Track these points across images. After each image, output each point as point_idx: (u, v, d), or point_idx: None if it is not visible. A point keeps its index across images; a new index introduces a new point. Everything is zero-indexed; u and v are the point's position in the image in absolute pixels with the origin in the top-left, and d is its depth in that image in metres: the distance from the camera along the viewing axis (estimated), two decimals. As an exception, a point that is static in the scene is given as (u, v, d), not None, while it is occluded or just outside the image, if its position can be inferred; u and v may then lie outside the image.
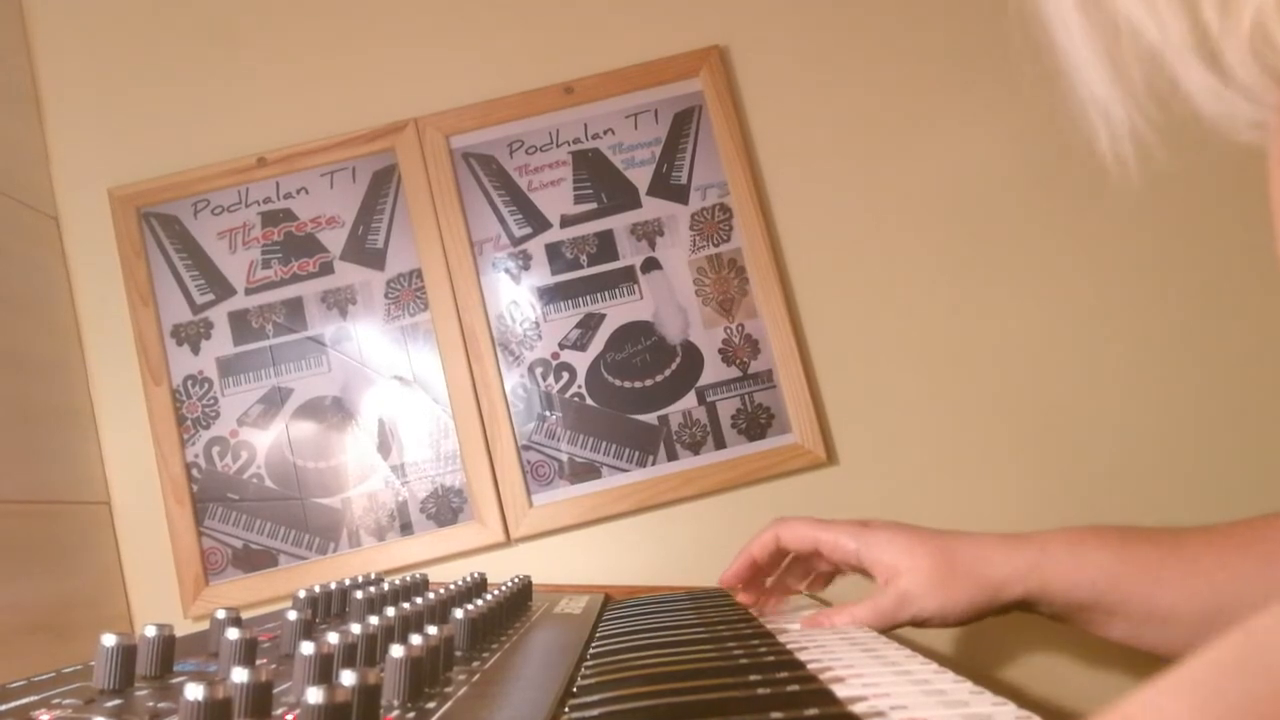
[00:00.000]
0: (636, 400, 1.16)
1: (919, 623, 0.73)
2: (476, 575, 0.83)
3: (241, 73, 1.25)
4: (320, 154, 1.22)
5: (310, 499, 1.15)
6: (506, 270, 1.20)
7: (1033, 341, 1.17)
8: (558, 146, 1.22)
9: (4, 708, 0.41)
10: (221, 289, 1.20)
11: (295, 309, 1.19)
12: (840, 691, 0.43)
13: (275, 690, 0.39)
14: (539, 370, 1.17)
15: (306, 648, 0.42)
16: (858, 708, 0.41)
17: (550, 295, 1.19)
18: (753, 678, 0.46)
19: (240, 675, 0.36)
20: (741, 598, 0.85)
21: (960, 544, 0.72)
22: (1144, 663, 0.54)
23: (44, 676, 0.49)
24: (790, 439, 1.15)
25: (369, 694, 0.37)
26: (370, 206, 1.21)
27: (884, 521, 0.78)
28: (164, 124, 1.24)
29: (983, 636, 1.08)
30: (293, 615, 0.57)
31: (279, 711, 0.40)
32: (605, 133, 1.22)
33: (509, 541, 1.13)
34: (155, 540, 1.14)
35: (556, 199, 1.21)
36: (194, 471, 1.16)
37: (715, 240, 1.20)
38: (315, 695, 0.34)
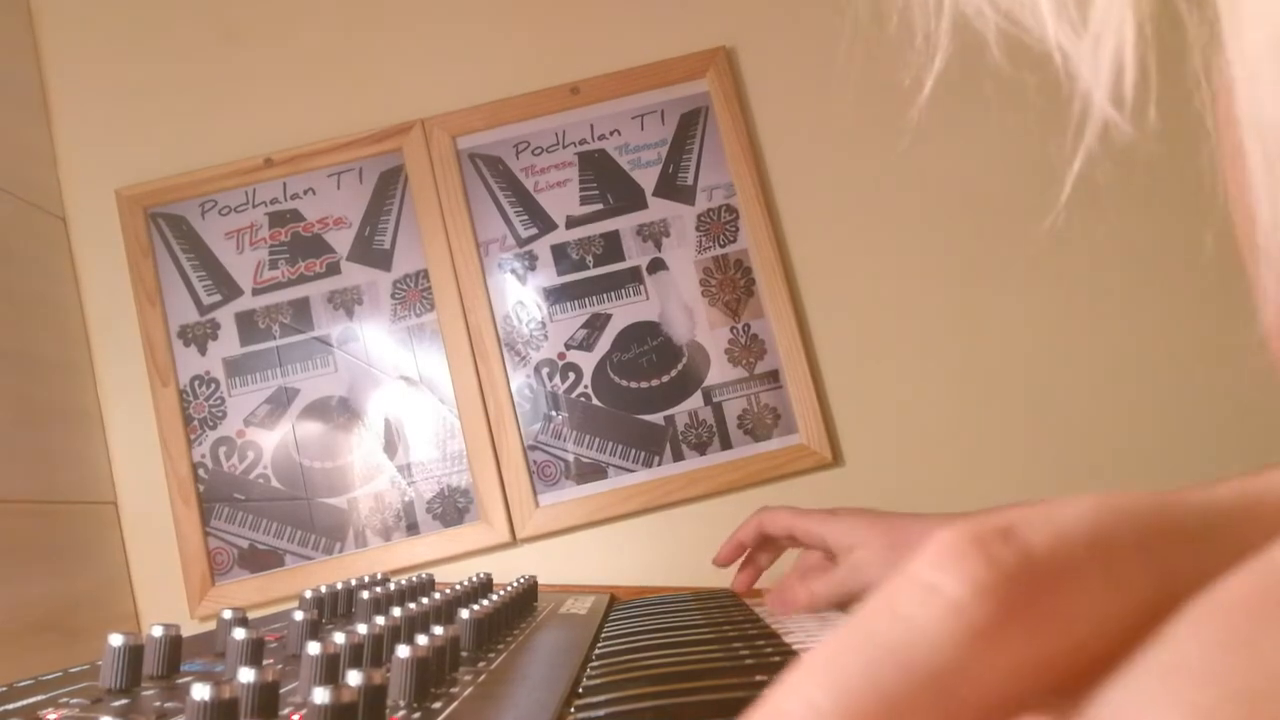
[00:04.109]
0: (643, 400, 1.16)
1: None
2: (482, 575, 0.83)
3: (249, 74, 1.25)
4: (327, 155, 1.22)
5: (316, 499, 1.16)
6: (513, 271, 1.20)
7: (1038, 342, 1.17)
8: (564, 147, 1.22)
9: (11, 707, 0.41)
10: (228, 289, 1.20)
11: (302, 309, 1.20)
12: (846, 692, 0.43)
13: (282, 690, 0.39)
14: (545, 370, 1.17)
15: (313, 648, 0.42)
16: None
17: (556, 296, 1.19)
18: (758, 678, 0.46)
19: (247, 675, 0.37)
20: (741, 577, 0.93)
21: (910, 522, 0.80)
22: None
23: (51, 676, 0.49)
24: (796, 439, 1.14)
25: (375, 694, 0.37)
26: (377, 207, 1.22)
27: (849, 508, 0.85)
28: (171, 125, 1.24)
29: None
30: (299, 615, 0.57)
31: (285, 711, 0.40)
32: (611, 133, 1.22)
33: (515, 542, 1.14)
34: (162, 540, 1.14)
35: (562, 200, 1.21)
36: (201, 471, 1.16)
37: (721, 241, 1.20)
38: (322, 695, 0.34)
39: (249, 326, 1.19)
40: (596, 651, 0.62)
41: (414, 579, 0.81)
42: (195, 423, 1.17)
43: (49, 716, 0.39)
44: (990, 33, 0.23)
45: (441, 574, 1.07)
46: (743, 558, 0.93)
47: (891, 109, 1.23)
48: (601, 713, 0.43)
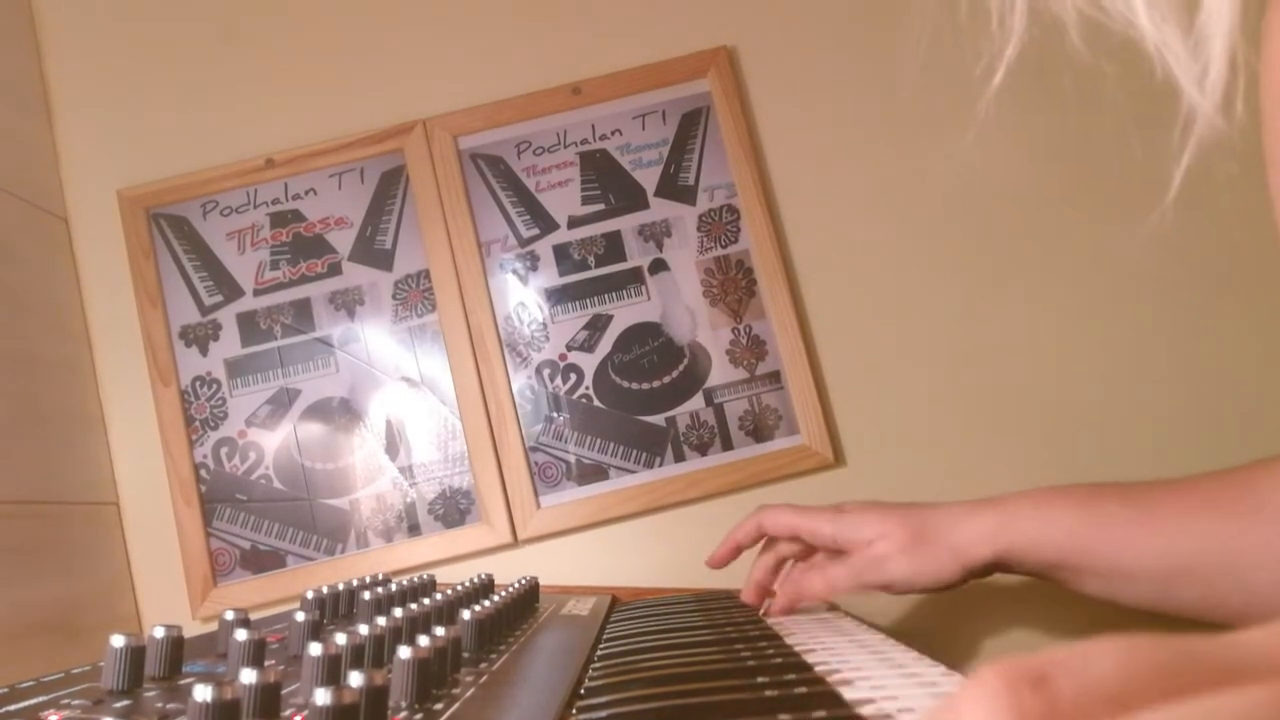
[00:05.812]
0: (644, 401, 1.16)
1: (891, 586, 0.75)
2: (484, 576, 0.83)
3: (250, 74, 1.25)
4: (328, 155, 1.22)
5: (318, 500, 1.16)
6: (514, 271, 1.20)
7: (1041, 343, 1.17)
8: (565, 147, 1.22)
9: (13, 708, 0.41)
10: (230, 290, 1.20)
11: (303, 310, 1.20)
12: (848, 694, 0.43)
13: (283, 691, 0.39)
14: (546, 371, 1.17)
15: (314, 649, 0.42)
16: (865, 710, 0.41)
17: (558, 296, 1.19)
18: (760, 680, 0.46)
19: (248, 676, 0.37)
20: (748, 592, 0.87)
21: (930, 512, 0.76)
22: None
23: (53, 677, 0.49)
24: (798, 440, 1.14)
25: (377, 695, 0.37)
26: (378, 207, 1.22)
27: (857, 502, 0.81)
28: (173, 125, 1.24)
29: (989, 638, 1.07)
30: (301, 616, 0.57)
31: (287, 713, 0.40)
32: (613, 133, 1.22)
33: (516, 543, 1.14)
34: (164, 541, 1.14)
35: (564, 200, 1.21)
36: (202, 472, 1.16)
37: (723, 241, 1.19)
38: (323, 696, 0.34)
39: (250, 327, 1.19)
40: (598, 653, 0.62)
41: (415, 580, 0.81)
42: (197, 423, 1.17)
43: (50, 717, 0.39)
44: (1069, 18, 0.23)
45: (443, 575, 1.07)
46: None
47: (893, 108, 1.22)
48: (603, 714, 0.43)
